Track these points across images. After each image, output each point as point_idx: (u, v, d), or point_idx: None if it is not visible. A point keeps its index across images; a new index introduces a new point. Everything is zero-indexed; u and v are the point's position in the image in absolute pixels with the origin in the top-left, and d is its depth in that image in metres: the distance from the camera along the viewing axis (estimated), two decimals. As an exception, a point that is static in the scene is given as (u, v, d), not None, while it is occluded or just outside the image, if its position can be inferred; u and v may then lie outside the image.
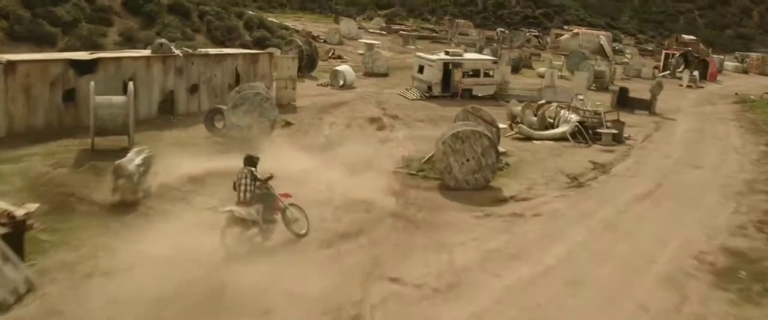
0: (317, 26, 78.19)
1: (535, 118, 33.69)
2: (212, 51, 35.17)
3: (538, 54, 71.65)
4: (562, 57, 65.08)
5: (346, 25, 74.34)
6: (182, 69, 31.03)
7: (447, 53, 42.51)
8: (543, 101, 36.50)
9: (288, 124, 30.22)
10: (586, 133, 31.24)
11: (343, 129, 30.36)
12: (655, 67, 67.79)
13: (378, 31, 79.73)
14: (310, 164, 23.20)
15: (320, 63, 50.14)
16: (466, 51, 47.80)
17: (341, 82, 42.17)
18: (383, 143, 28.19)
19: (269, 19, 69.44)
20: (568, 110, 33.37)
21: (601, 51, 72.94)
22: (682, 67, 69.22)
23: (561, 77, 51.53)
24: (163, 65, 30.39)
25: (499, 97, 42.12)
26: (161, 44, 31.54)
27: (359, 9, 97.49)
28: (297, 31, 62.23)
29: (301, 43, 46.07)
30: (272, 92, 30.87)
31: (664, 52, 73.10)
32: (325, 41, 65.59)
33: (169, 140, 26.15)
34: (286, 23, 72.77)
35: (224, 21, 56.04)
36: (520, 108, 34.36)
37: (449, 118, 34.49)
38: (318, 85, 42.75)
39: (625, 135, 32.53)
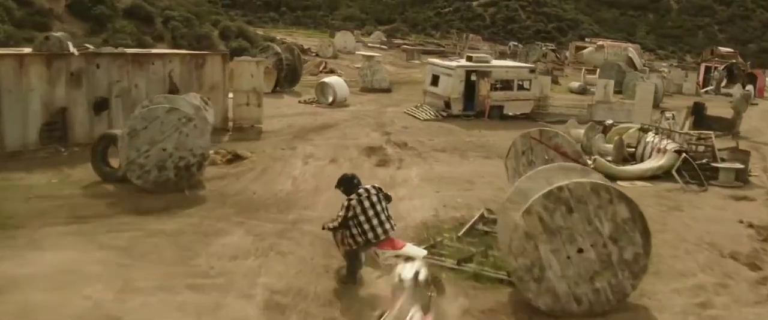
0: (311, 41, 66.66)
1: (607, 146, 21.99)
2: (132, 50, 23.50)
3: (561, 68, 59.94)
4: (595, 70, 53.34)
5: (342, 38, 62.70)
6: (80, 75, 19.39)
7: (470, 59, 30.76)
8: (610, 122, 24.85)
9: (236, 158, 18.45)
10: (697, 168, 19.47)
11: (326, 165, 18.58)
12: (697, 83, 55.96)
13: (378, 46, 68.12)
14: (247, 245, 11.65)
15: (309, 77, 38.68)
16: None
17: (330, 98, 30.47)
18: (387, 190, 16.40)
19: (256, 32, 58.06)
20: (658, 134, 21.67)
21: (630, 64, 61.22)
22: (725, 81, 57.65)
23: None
24: (48, 69, 18.79)
25: (537, 116, 30.43)
26: (48, 38, 19.92)
27: (358, 24, 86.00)
28: (284, 43, 50.42)
29: (279, 51, 34.36)
30: (212, 108, 19.11)
31: (703, 65, 61.37)
32: (316, 55, 53.95)
33: (17, 193, 14.44)
34: (274, 36, 61.35)
35: (194, 28, 44.51)
36: (582, 131, 22.68)
37: (480, 147, 23.00)
38: (300, 101, 31.04)
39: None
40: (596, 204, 8.59)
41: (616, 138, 21.84)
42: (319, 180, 16.48)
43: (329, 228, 10.10)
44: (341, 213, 9.79)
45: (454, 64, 29.89)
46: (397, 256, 9.30)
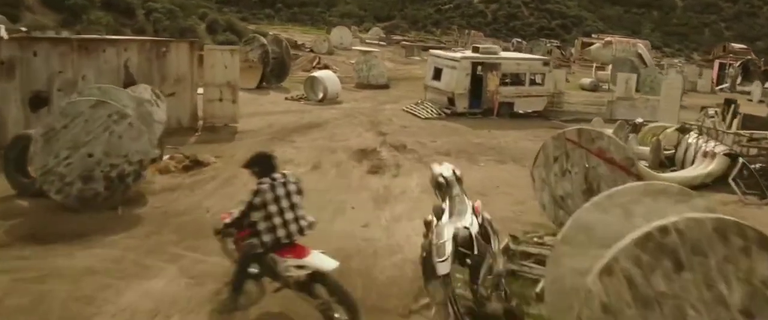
0: (306, 38, 63.01)
1: (642, 149, 18.43)
2: (80, 36, 19.95)
3: (568, 65, 56.27)
4: (605, 67, 49.84)
5: (339, 34, 58.94)
6: (13, 64, 15.89)
7: (476, 50, 27.13)
8: (640, 120, 21.29)
9: (196, 164, 14.87)
10: (756, 175, 15.91)
11: (306, 174, 14.98)
12: (712, 79, 52.33)
13: (377, 42, 64.49)
14: (177, 293, 8.08)
15: (301, 74, 35.14)
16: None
17: (320, 95, 26.93)
18: (380, 206, 12.88)
19: (247, 27, 54.45)
20: (701, 134, 18.14)
21: (640, 61, 57.65)
22: (740, 78, 54.12)
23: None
24: (-30, 57, 15.27)
25: (550, 114, 26.88)
26: (-29, 19, 16.37)
27: (356, 21, 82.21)
28: (271, 35, 46.85)
29: (265, 42, 30.73)
30: (164, 102, 15.57)
31: (717, 61, 57.71)
32: (310, 50, 50.30)
33: None
34: (267, 31, 57.74)
35: (177, 21, 40.90)
36: (611, 131, 19.10)
37: (491, 149, 19.48)
38: (287, 98, 27.48)
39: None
40: (722, 256, 5.02)
41: (653, 139, 18.28)
42: (296, 193, 12.91)
43: (226, 226, 7.54)
44: (246, 199, 7.43)
45: (458, 55, 26.29)
46: (301, 267, 7.13)
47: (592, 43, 64.61)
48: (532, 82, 26.66)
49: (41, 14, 36.48)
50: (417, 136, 20.49)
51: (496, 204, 13.43)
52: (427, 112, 24.95)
